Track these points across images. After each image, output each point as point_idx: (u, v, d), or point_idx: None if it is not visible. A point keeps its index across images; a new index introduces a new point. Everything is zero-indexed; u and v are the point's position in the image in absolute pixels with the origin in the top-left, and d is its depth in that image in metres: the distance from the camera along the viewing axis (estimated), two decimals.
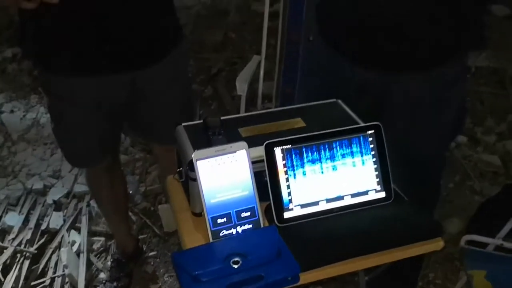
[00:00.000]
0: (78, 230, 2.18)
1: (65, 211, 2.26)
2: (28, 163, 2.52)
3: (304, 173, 1.01)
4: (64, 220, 2.21)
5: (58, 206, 2.29)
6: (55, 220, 2.21)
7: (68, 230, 2.17)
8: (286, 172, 1.00)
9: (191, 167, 0.96)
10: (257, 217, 0.96)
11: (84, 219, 2.21)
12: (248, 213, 0.95)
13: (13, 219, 2.22)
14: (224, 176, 0.95)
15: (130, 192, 2.28)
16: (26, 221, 2.22)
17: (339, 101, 1.22)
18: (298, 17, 1.95)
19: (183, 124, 1.11)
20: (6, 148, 2.62)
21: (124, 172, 1.97)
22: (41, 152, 2.58)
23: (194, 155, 0.94)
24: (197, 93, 2.89)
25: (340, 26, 1.30)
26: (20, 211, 2.26)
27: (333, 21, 1.33)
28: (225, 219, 0.94)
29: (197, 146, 1.00)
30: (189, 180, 0.99)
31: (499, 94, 2.88)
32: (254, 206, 0.96)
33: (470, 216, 1.82)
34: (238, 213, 0.95)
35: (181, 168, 1.09)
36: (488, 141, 2.56)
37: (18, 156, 2.57)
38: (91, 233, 2.17)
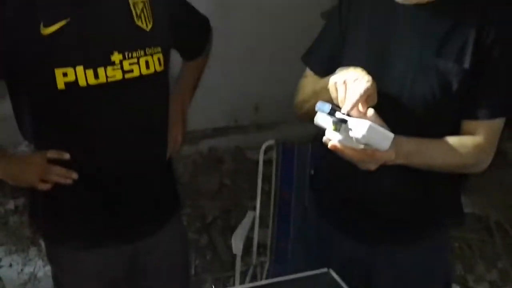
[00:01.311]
0: None
1: None
2: None
3: None
4: None
5: None
6: None
7: None
8: None
9: None
10: None
11: None
12: None
13: None
14: None
15: None
16: None
17: (331, 270, 1.30)
18: (289, 179, 2.11)
19: None
20: None
21: None
22: None
23: None
24: (192, 243, 2.93)
25: (329, 200, 1.43)
26: None
27: (323, 195, 1.46)
28: None
29: None
30: None
31: (486, 241, 2.96)
32: None
33: None
34: None
35: None
36: None
37: None
38: None
